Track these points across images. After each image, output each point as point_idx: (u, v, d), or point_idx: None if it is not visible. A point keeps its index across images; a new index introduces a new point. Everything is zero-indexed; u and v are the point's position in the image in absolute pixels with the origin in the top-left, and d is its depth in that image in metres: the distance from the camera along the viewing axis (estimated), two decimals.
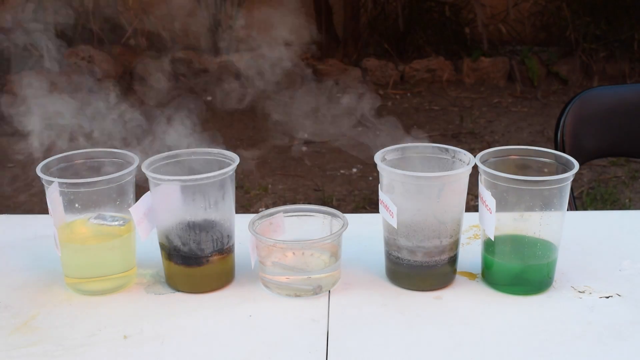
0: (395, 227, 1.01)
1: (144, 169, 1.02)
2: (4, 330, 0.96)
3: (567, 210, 1.04)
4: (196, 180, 1.00)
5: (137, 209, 1.03)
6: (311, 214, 1.09)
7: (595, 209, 3.14)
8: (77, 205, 1.02)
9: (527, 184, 0.98)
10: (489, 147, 1.07)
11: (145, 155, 1.04)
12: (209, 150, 1.09)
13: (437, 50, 4.84)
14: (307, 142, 3.84)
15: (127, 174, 1.03)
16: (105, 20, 4.69)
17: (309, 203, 1.01)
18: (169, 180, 1.00)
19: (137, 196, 1.06)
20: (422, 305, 1.01)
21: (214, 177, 1.00)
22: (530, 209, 1.00)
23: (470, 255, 1.11)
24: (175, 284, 1.05)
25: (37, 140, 1.10)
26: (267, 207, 1.02)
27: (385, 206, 1.02)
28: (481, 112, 4.28)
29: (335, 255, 1.05)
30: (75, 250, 1.04)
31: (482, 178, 1.02)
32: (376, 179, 3.18)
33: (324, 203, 3.11)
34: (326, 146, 3.78)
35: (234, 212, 1.06)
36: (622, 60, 4.66)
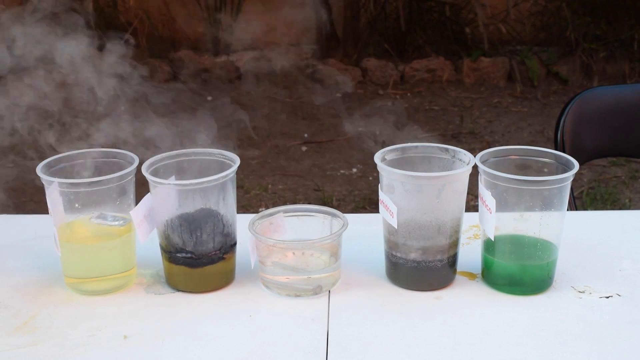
0: (395, 227, 1.01)
1: (144, 171, 1.02)
2: (4, 330, 0.96)
3: (567, 210, 1.04)
4: (196, 184, 1.00)
5: (138, 212, 1.03)
6: (311, 214, 1.09)
7: (595, 209, 3.14)
8: (77, 205, 1.02)
9: (527, 184, 0.98)
10: (489, 147, 1.07)
11: None
12: (210, 150, 1.09)
13: (437, 50, 4.83)
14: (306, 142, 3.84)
15: (127, 174, 1.03)
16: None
17: (309, 203, 1.01)
18: (168, 184, 1.00)
19: (138, 196, 1.06)
20: (422, 305, 1.01)
21: (214, 180, 1.00)
22: (530, 209, 1.00)
23: (470, 255, 1.10)
24: (175, 284, 1.05)
25: None
26: (267, 207, 1.02)
27: (385, 206, 1.02)
28: (481, 112, 4.28)
29: (335, 255, 1.05)
30: (75, 250, 1.04)
31: (482, 178, 1.02)
32: (376, 179, 3.18)
33: (324, 203, 3.11)
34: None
35: (235, 212, 1.06)
36: (622, 60, 4.66)
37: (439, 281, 1.04)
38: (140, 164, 1.04)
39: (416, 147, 1.09)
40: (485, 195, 1.00)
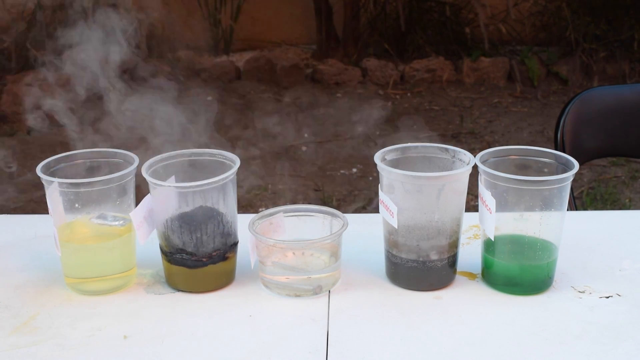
0: (396, 227, 1.01)
1: (143, 173, 1.02)
2: (4, 330, 0.96)
3: (567, 210, 1.04)
4: (196, 186, 0.99)
5: (137, 213, 1.03)
6: (311, 214, 1.09)
7: (595, 209, 3.14)
8: (77, 205, 1.02)
9: (527, 184, 0.98)
10: (489, 147, 1.07)
11: None
12: (210, 150, 1.09)
13: (437, 50, 4.83)
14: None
15: (127, 174, 1.03)
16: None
17: (309, 203, 1.00)
18: (169, 186, 1.00)
19: (138, 196, 1.06)
20: (422, 305, 1.01)
21: (215, 182, 1.00)
22: (530, 209, 1.00)
23: (470, 255, 1.11)
24: (175, 284, 1.05)
25: None
26: (267, 207, 1.02)
27: (385, 206, 1.02)
28: (481, 112, 4.28)
29: (335, 255, 1.05)
30: (75, 250, 1.04)
31: (482, 178, 1.02)
32: (376, 179, 3.18)
33: (324, 203, 3.11)
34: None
35: (236, 212, 1.06)
36: (622, 60, 4.66)
37: (439, 281, 1.04)
38: (141, 163, 1.04)
39: (416, 147, 1.09)
40: (485, 195, 1.00)
